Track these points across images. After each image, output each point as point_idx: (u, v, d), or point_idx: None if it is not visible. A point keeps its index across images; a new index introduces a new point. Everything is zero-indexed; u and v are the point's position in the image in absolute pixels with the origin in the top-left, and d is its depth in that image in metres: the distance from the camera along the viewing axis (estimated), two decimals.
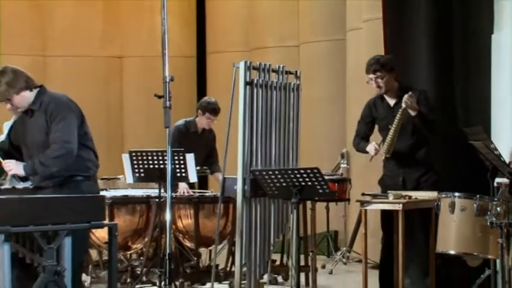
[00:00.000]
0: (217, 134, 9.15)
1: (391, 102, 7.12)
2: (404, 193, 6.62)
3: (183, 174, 8.17)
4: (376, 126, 7.36)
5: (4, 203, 5.22)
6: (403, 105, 6.75)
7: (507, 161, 6.30)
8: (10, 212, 5.21)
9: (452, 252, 5.75)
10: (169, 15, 4.74)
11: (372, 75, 7.04)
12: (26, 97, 5.87)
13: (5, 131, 7.72)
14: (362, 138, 7.29)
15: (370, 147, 7.09)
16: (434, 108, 7.09)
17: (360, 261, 8.75)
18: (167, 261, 4.58)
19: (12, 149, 6.16)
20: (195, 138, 9.05)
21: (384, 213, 6.81)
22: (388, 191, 6.74)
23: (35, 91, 5.90)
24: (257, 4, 13.09)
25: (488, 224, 5.36)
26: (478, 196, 5.68)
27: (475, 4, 7.88)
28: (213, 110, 9.06)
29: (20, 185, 6.40)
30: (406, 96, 6.73)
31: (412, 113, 6.74)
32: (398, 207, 6.42)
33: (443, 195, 5.98)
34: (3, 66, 5.95)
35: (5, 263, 5.22)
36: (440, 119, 7.20)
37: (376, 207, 6.65)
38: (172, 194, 4.92)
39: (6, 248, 5.21)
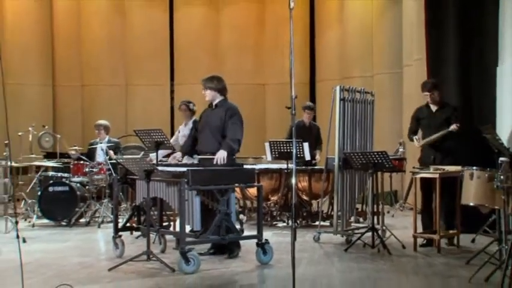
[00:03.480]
0: (323, 131, 9.05)
1: (434, 109, 6.85)
2: (440, 167, 6.44)
3: (302, 155, 8.16)
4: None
5: (196, 172, 5.34)
6: (451, 129, 6.54)
7: (507, 147, 6.06)
8: (199, 177, 5.33)
9: (471, 203, 5.54)
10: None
11: (427, 93, 6.80)
12: (215, 96, 6.02)
13: (181, 129, 7.90)
14: (413, 132, 7.09)
15: (415, 141, 6.89)
16: (461, 120, 6.79)
17: (411, 209, 8.54)
18: (292, 208, 4.58)
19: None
20: (305, 130, 8.91)
21: (423, 180, 6.63)
22: (430, 166, 6.58)
23: (222, 97, 6.05)
24: (346, 47, 12.88)
25: (495, 186, 5.15)
26: (488, 169, 5.47)
27: (487, 43, 7.57)
28: (307, 107, 9.05)
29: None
30: (454, 126, 6.54)
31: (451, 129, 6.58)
32: (437, 175, 6.26)
33: (465, 168, 5.78)
34: (218, 75, 6.18)
35: (196, 208, 5.34)
36: (463, 122, 6.93)
37: (422, 175, 6.49)
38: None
39: (197, 199, 5.33)
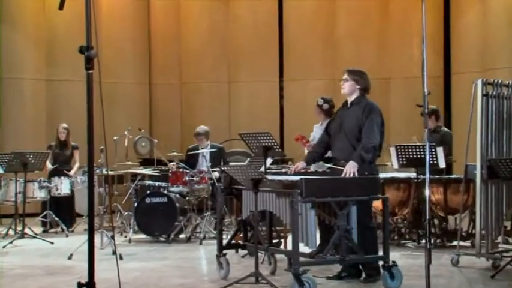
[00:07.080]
0: (460, 133, 8.77)
1: None
2: None
3: (435, 162, 7.93)
4: None
5: (311, 182, 5.30)
6: None
7: None
8: (315, 187, 5.29)
9: None
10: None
11: None
12: (354, 90, 6.00)
13: (315, 130, 7.84)
14: None
15: None
16: None
17: None
18: (426, 224, 4.45)
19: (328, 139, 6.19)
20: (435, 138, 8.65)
21: None
22: None
23: (360, 93, 5.99)
24: (489, 33, 12.43)
25: None
26: None
27: None
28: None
29: (320, 169, 6.49)
30: None
31: None
32: None
33: None
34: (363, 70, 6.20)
35: (311, 223, 5.31)
36: None
37: None
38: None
39: (312, 212, 5.30)
